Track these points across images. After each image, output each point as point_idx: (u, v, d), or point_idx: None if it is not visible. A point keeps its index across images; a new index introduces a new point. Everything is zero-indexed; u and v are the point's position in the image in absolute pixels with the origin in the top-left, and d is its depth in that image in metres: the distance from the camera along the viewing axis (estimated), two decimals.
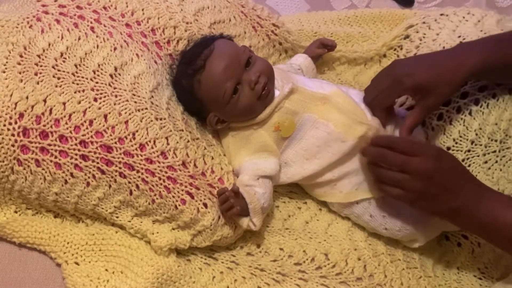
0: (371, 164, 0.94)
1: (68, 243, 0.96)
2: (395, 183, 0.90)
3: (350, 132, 0.96)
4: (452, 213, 0.90)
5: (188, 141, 0.96)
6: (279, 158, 0.99)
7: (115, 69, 0.94)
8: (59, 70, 0.92)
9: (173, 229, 0.96)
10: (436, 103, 0.95)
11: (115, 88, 0.93)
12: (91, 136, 0.90)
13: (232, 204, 0.91)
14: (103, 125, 0.90)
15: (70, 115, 0.90)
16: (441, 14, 1.17)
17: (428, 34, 1.15)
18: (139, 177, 0.91)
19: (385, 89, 0.96)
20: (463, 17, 1.13)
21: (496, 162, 1.02)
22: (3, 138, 0.88)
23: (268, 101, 0.97)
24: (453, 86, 0.94)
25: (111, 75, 0.93)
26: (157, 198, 0.93)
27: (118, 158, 0.90)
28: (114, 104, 0.91)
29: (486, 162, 1.02)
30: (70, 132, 0.89)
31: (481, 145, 1.02)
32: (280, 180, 1.01)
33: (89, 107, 0.90)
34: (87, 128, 0.90)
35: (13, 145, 0.89)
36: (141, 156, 0.91)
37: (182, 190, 0.93)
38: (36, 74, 0.91)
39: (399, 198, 0.91)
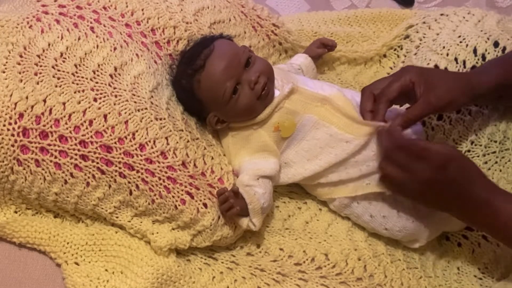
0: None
1: (68, 243, 0.97)
2: (397, 181, 0.90)
3: (355, 132, 0.96)
4: (471, 211, 0.88)
5: (188, 141, 0.96)
6: (279, 158, 0.99)
7: (115, 69, 0.94)
8: (59, 70, 0.92)
9: (173, 229, 0.96)
10: (440, 99, 0.91)
11: (115, 88, 0.93)
12: (91, 136, 0.90)
13: (231, 204, 0.91)
14: (103, 125, 0.90)
15: (70, 115, 0.90)
16: (441, 14, 1.17)
17: (428, 34, 1.15)
18: (139, 177, 0.91)
19: (393, 75, 0.95)
20: (463, 17, 1.13)
21: (496, 163, 1.02)
22: (3, 138, 0.88)
23: (268, 101, 0.97)
24: (462, 89, 0.93)
25: (111, 75, 0.93)
26: (157, 198, 0.93)
27: (118, 158, 0.90)
28: (114, 104, 0.91)
29: (486, 162, 1.02)
30: (70, 132, 0.89)
31: (480, 145, 1.03)
32: (280, 180, 1.01)
33: (89, 107, 0.90)
34: (87, 128, 0.90)
35: (13, 145, 0.89)
36: (141, 156, 0.91)
37: (182, 190, 0.93)
38: (36, 74, 0.91)
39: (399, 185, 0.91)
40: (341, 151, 0.96)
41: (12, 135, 0.88)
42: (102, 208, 0.95)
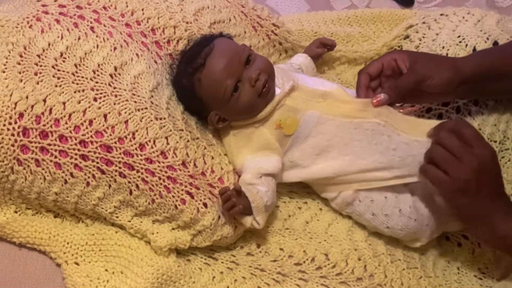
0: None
1: (68, 243, 0.96)
2: (445, 165, 0.86)
3: (362, 114, 0.96)
4: (477, 219, 0.88)
5: (188, 141, 0.96)
6: (281, 156, 0.99)
7: (115, 69, 0.94)
8: (59, 70, 0.92)
9: (173, 229, 0.96)
10: (425, 67, 0.93)
11: (115, 88, 0.93)
12: (91, 136, 0.90)
13: (234, 202, 0.91)
14: (103, 125, 0.90)
15: (70, 115, 0.90)
16: (441, 14, 1.17)
17: (428, 34, 1.15)
18: (139, 177, 0.91)
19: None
20: (463, 17, 1.14)
21: None
22: (3, 138, 0.88)
23: (269, 98, 0.97)
24: (448, 64, 0.95)
25: (111, 75, 0.93)
26: (157, 198, 0.93)
27: (118, 158, 0.90)
28: (114, 103, 0.91)
29: None
30: (70, 132, 0.89)
31: None
32: (294, 178, 1.01)
33: (89, 107, 0.90)
34: (87, 128, 0.90)
35: (13, 145, 0.89)
36: (141, 156, 0.91)
37: (182, 190, 0.93)
38: (36, 74, 0.91)
39: (441, 183, 0.87)
40: (350, 140, 0.96)
41: (12, 134, 0.88)
42: (102, 208, 0.95)
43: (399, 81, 0.95)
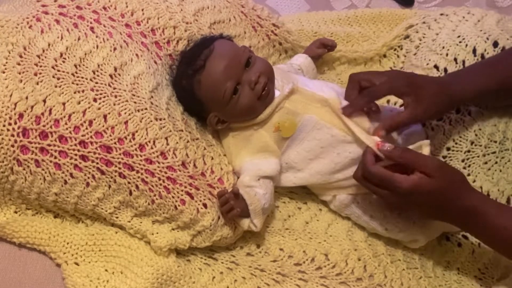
0: None
1: (68, 243, 0.97)
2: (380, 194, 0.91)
3: (354, 137, 0.95)
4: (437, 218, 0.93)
5: (188, 141, 0.96)
6: (280, 158, 0.99)
7: (115, 69, 0.94)
8: (58, 71, 0.92)
9: (173, 229, 0.96)
10: (426, 112, 0.93)
11: (114, 88, 0.93)
12: (91, 137, 0.90)
13: (232, 206, 0.91)
14: (103, 126, 0.90)
15: (69, 116, 0.89)
16: (441, 14, 1.17)
17: (428, 34, 1.15)
18: (138, 177, 0.91)
19: (383, 75, 0.96)
20: (463, 17, 1.13)
21: (496, 163, 1.02)
22: (2, 139, 0.88)
23: (268, 101, 0.96)
24: (447, 102, 0.95)
25: (110, 76, 0.93)
26: (156, 199, 0.93)
27: (118, 158, 0.90)
28: (114, 104, 0.91)
29: (486, 162, 1.02)
30: (70, 132, 0.89)
31: (480, 145, 1.03)
32: (288, 183, 1.01)
33: (89, 108, 0.90)
34: (86, 128, 0.90)
35: (12, 146, 0.89)
36: (141, 156, 0.91)
37: (182, 191, 0.93)
38: (35, 74, 0.91)
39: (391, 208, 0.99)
40: (343, 150, 0.97)
41: (12, 135, 0.88)
42: (102, 209, 0.95)
43: (399, 118, 0.93)
